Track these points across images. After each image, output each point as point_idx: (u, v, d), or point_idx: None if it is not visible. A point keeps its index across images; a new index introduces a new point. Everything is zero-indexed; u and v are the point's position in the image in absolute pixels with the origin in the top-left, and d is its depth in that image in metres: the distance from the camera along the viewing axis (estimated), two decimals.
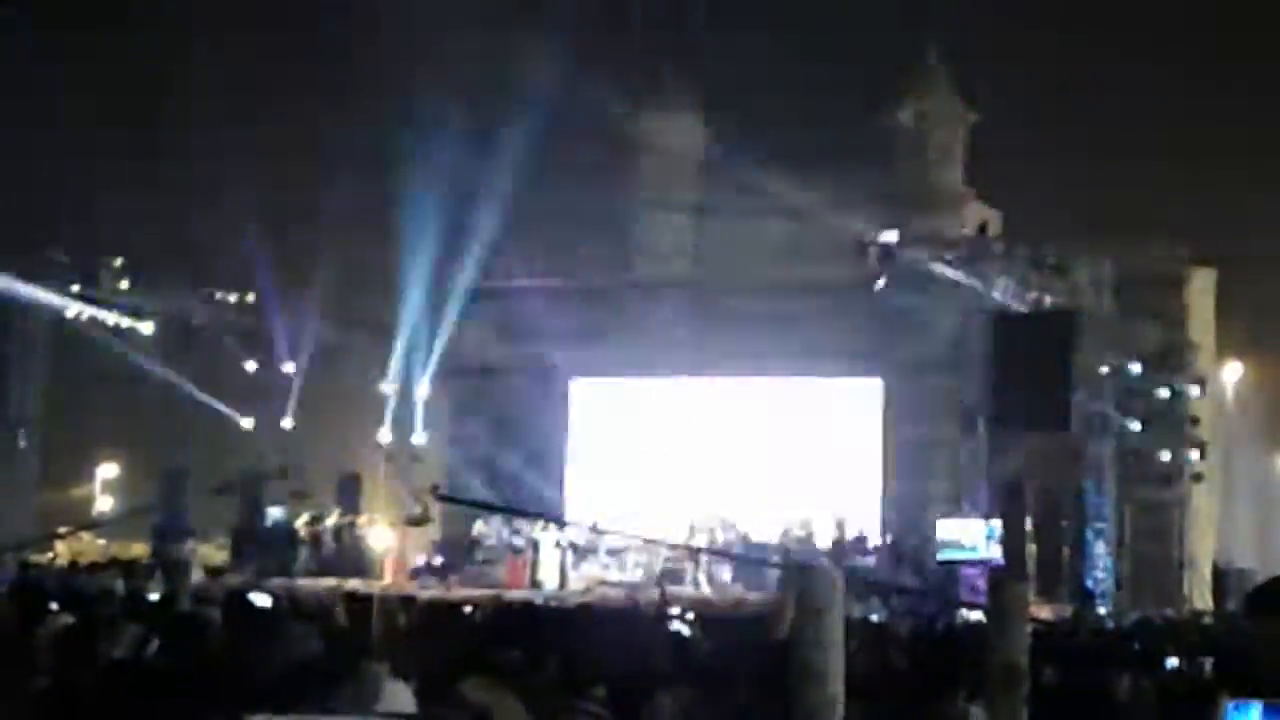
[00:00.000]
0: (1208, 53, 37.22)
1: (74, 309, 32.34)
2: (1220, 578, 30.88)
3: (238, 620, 9.63)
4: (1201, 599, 30.89)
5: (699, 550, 30.63)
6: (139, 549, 31.34)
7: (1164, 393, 31.75)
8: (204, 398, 34.57)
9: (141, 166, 30.18)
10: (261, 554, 31.52)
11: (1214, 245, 36.00)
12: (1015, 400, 28.71)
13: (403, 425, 36.43)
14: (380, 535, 32.78)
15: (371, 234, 33.71)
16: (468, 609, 15.17)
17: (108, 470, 37.30)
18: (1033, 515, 29.31)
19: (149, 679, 3.55)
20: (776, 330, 34.61)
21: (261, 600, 12.41)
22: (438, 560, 32.40)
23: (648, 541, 29.82)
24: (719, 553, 31.06)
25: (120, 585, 18.47)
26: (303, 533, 32.53)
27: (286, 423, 35.23)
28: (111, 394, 33.47)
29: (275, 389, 35.28)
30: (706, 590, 29.90)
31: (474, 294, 35.37)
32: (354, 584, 24.23)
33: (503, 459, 36.45)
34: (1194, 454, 32.11)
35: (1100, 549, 29.47)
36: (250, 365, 35.05)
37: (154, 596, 14.87)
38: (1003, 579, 5.25)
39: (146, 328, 33.44)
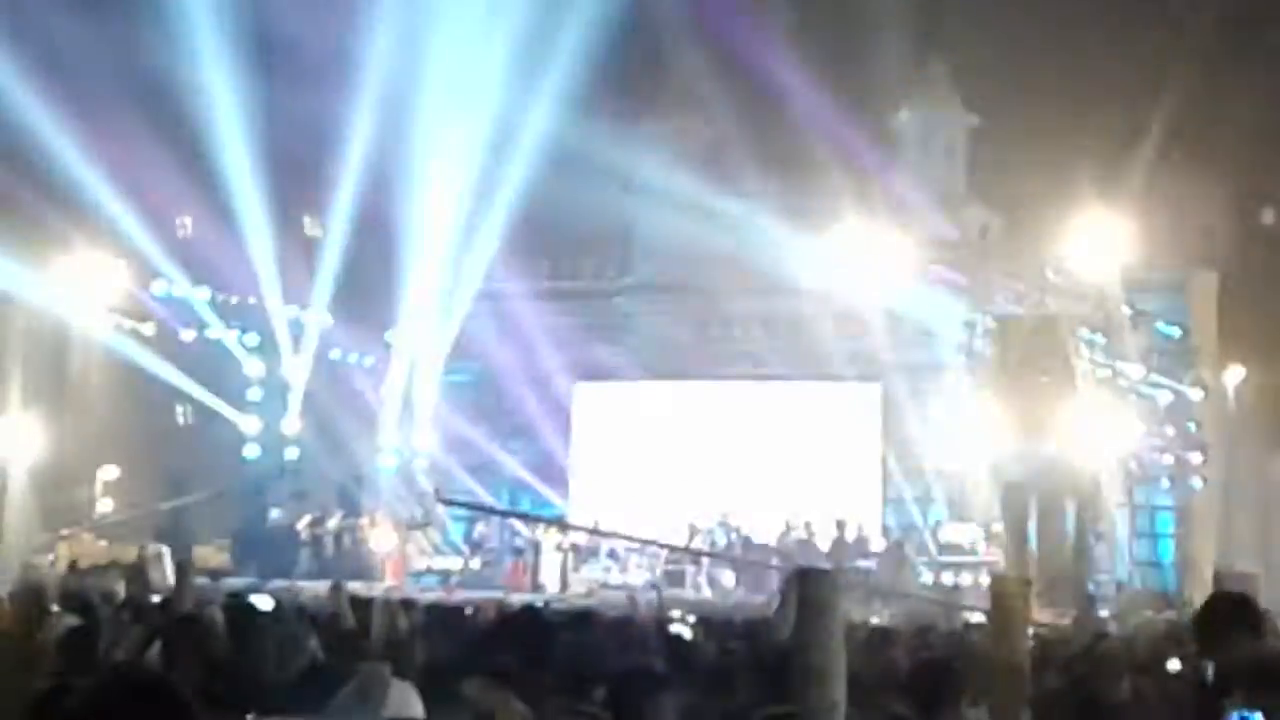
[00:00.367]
0: (1210, 54, 37.19)
1: (76, 310, 32.34)
2: (1222, 581, 30.79)
3: (239, 622, 9.64)
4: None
5: (700, 553, 30.64)
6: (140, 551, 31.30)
7: (1166, 396, 31.74)
8: (206, 399, 34.57)
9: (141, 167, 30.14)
10: (263, 556, 31.53)
11: (1217, 248, 36.00)
12: (1018, 405, 28.70)
13: (405, 428, 36.45)
14: (382, 538, 32.78)
15: (373, 234, 33.70)
16: (468, 611, 15.17)
17: (109, 472, 37.24)
18: (1035, 519, 29.31)
19: (151, 681, 3.55)
20: (778, 334, 34.65)
21: (263, 602, 12.42)
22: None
23: (648, 544, 29.85)
24: (720, 555, 31.08)
25: (121, 587, 18.47)
26: (304, 534, 32.54)
27: (289, 425, 35.22)
28: (113, 395, 33.45)
29: (278, 391, 35.29)
30: (707, 592, 29.92)
31: (477, 297, 35.41)
32: (354, 586, 24.17)
33: (505, 462, 36.48)
34: (1196, 457, 32.09)
35: (1102, 552, 29.46)
36: (254, 367, 35.04)
37: (155, 598, 14.88)
38: (1004, 582, 5.25)
39: (148, 328, 33.42)
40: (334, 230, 33.29)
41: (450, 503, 31.62)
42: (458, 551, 32.78)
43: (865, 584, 27.95)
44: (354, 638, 9.06)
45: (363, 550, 32.58)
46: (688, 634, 11.69)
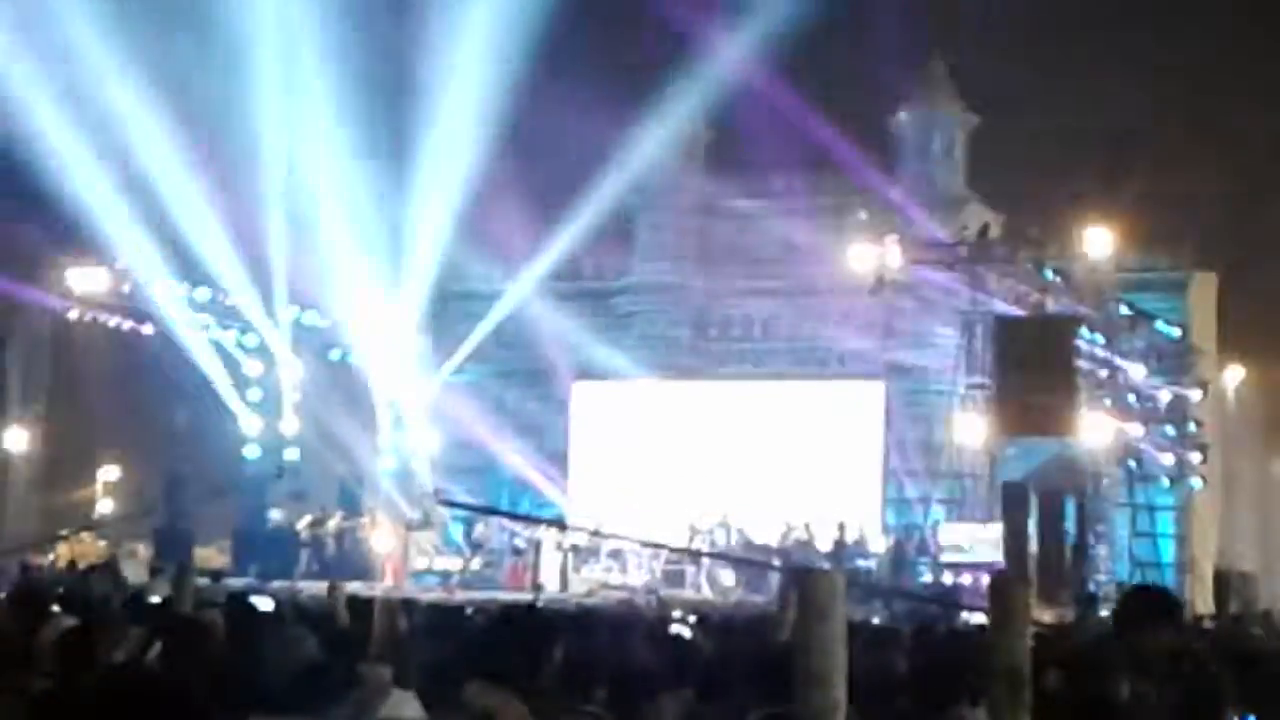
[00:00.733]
0: (1211, 56, 37.21)
1: (76, 311, 32.35)
2: (1222, 581, 30.84)
3: (239, 624, 9.63)
4: (1203, 602, 30.85)
5: (700, 553, 30.64)
6: (140, 551, 31.32)
7: (1166, 396, 31.74)
8: (206, 400, 34.56)
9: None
10: (263, 557, 31.54)
11: (1216, 249, 36.03)
12: (1018, 404, 28.69)
13: (405, 429, 36.47)
14: (382, 538, 32.78)
15: (374, 234, 33.69)
16: (469, 611, 15.16)
17: (109, 472, 37.29)
18: (1035, 519, 29.30)
19: (151, 682, 3.55)
20: (778, 334, 34.66)
21: (263, 603, 12.41)
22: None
23: (649, 545, 29.84)
24: (720, 556, 31.06)
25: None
26: (304, 535, 32.54)
27: (289, 425, 35.22)
28: (113, 396, 33.47)
29: (278, 391, 35.29)
30: (708, 593, 29.91)
31: (479, 296, 35.42)
32: (355, 586, 24.17)
33: (505, 462, 36.49)
34: (1195, 457, 32.10)
35: (1102, 552, 29.46)
36: (254, 368, 35.04)
37: (155, 599, 14.86)
38: (1005, 582, 5.24)
39: (147, 329, 33.43)
40: (335, 230, 33.27)
41: (450, 504, 31.65)
42: (458, 552, 32.77)
43: (865, 584, 27.94)
44: (353, 638, 9.04)
45: (363, 550, 32.59)
46: (688, 634, 11.68)
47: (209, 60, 29.79)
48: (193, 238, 31.67)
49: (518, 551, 31.95)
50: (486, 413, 36.65)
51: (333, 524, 32.99)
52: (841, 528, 31.73)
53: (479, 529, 32.40)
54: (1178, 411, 31.95)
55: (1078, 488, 29.95)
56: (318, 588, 22.35)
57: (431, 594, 26.22)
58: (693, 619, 14.76)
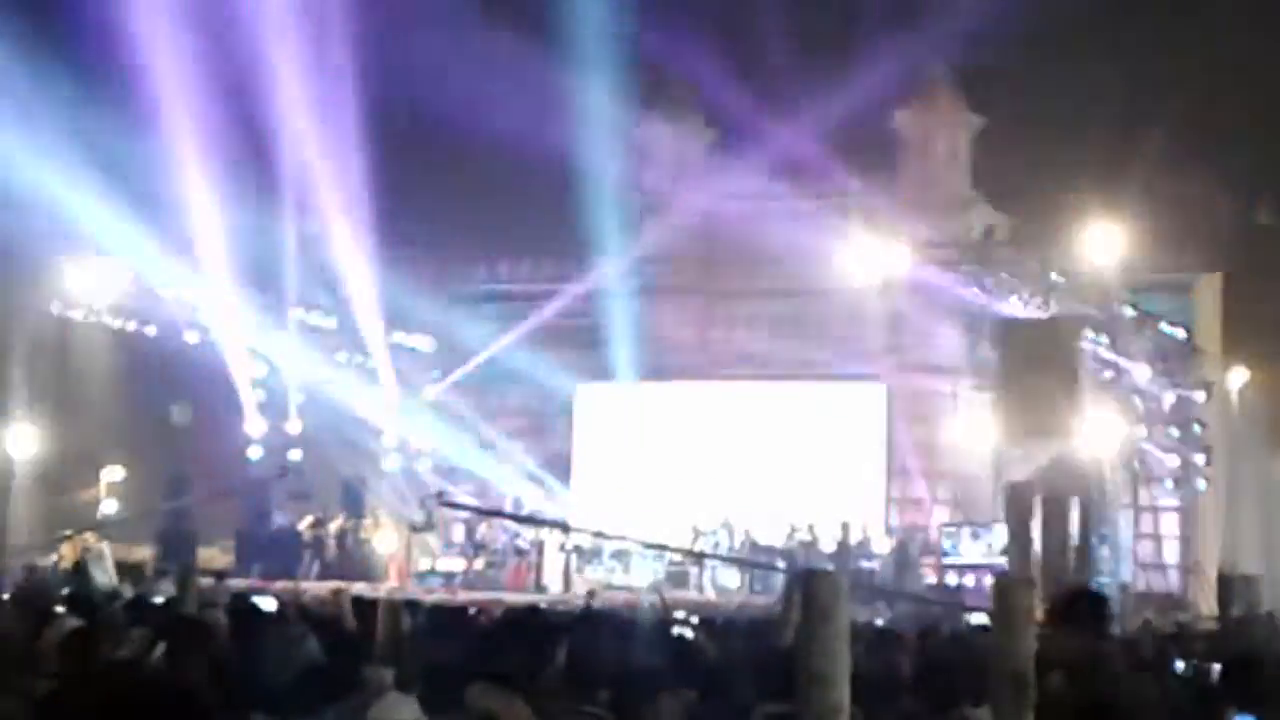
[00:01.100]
0: (1214, 56, 37.17)
1: (79, 312, 32.34)
2: (1225, 583, 30.80)
3: (242, 624, 9.65)
4: (1207, 604, 30.83)
5: (703, 555, 30.65)
6: (144, 552, 31.33)
7: (1170, 398, 31.72)
8: (209, 400, 34.54)
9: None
10: (266, 557, 31.55)
11: (1221, 250, 36.00)
12: (1021, 405, 28.67)
13: (408, 430, 36.49)
14: (385, 539, 32.79)
15: (373, 232, 33.72)
16: (472, 612, 15.17)
17: (113, 473, 37.24)
18: (1039, 520, 29.28)
19: (154, 683, 3.56)
20: (781, 335, 34.65)
21: (267, 604, 12.43)
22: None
23: (652, 546, 29.85)
24: (723, 557, 31.08)
25: (126, 588, 18.48)
26: (306, 536, 32.55)
27: (293, 426, 35.22)
28: (116, 397, 33.45)
29: (281, 393, 35.29)
30: (711, 594, 29.92)
31: (482, 298, 35.43)
32: (359, 587, 24.20)
33: (508, 464, 36.48)
34: (1200, 459, 32.07)
35: (1105, 554, 29.42)
36: (258, 369, 35.03)
37: (159, 600, 14.87)
38: (1008, 584, 5.24)
39: (151, 330, 33.42)
40: (336, 230, 33.27)
41: (452, 505, 31.65)
42: (461, 553, 32.78)
43: (869, 585, 27.94)
44: (356, 640, 9.05)
45: (366, 552, 32.60)
46: (690, 635, 11.69)
47: (209, 53, 29.80)
48: (195, 237, 31.67)
49: (521, 553, 31.97)
50: (490, 414, 36.65)
51: (334, 525, 32.99)
52: (845, 529, 31.73)
53: (482, 530, 32.41)
54: (1182, 413, 31.92)
55: (1081, 489, 29.90)
56: (321, 589, 22.36)
57: (435, 595, 26.21)
58: (696, 620, 14.78)
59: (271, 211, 32.28)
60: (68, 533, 31.36)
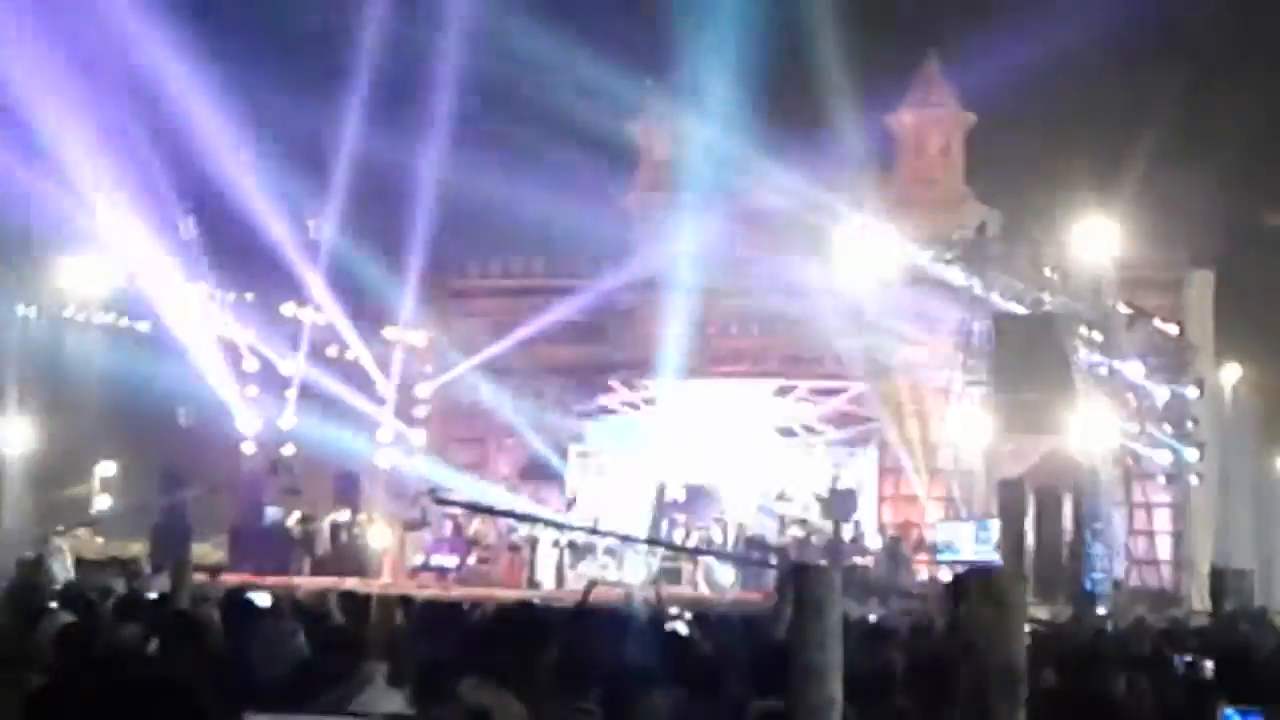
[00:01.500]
0: (1208, 54, 37.23)
1: (72, 308, 32.32)
2: (1218, 578, 30.85)
3: (235, 620, 9.64)
4: (1199, 600, 30.89)
5: (697, 551, 30.67)
6: (137, 548, 31.31)
7: (1163, 394, 31.74)
8: (203, 396, 34.51)
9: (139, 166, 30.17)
10: (260, 553, 31.53)
11: (1213, 247, 36.04)
12: (1014, 402, 28.71)
13: (402, 426, 36.49)
14: (379, 535, 32.78)
15: (367, 232, 33.73)
16: (465, 608, 15.16)
17: (106, 468, 37.25)
18: (1032, 516, 29.32)
19: (147, 678, 3.55)
20: (775, 332, 34.67)
21: (261, 599, 12.41)
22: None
23: (646, 542, 29.88)
24: (717, 553, 31.09)
25: (119, 584, 18.46)
26: (296, 531, 32.54)
27: (286, 422, 35.21)
28: (110, 393, 33.43)
29: (275, 388, 35.26)
30: (705, 590, 29.93)
31: (476, 293, 35.42)
32: (352, 583, 24.22)
33: (502, 459, 36.48)
34: (1192, 455, 32.11)
35: (1098, 550, 29.46)
36: (251, 364, 35.01)
37: (153, 595, 14.86)
38: (1001, 580, 5.24)
39: (144, 326, 33.40)
40: (334, 228, 33.29)
41: (446, 502, 31.64)
42: (451, 548, 32.77)
43: (862, 581, 27.96)
44: (348, 635, 9.05)
45: (360, 547, 32.59)
46: (684, 631, 11.69)
47: (205, 49, 29.80)
48: (189, 234, 31.68)
49: (514, 548, 31.97)
50: (482, 410, 36.64)
51: (328, 521, 32.98)
52: (838, 525, 31.75)
53: (476, 525, 32.42)
54: (1175, 409, 31.95)
55: (1074, 485, 29.94)
56: (314, 584, 22.38)
57: (428, 590, 26.21)
58: (689, 615, 14.77)
59: (265, 205, 32.24)
60: (60, 528, 31.36)
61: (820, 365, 34.41)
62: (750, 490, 33.52)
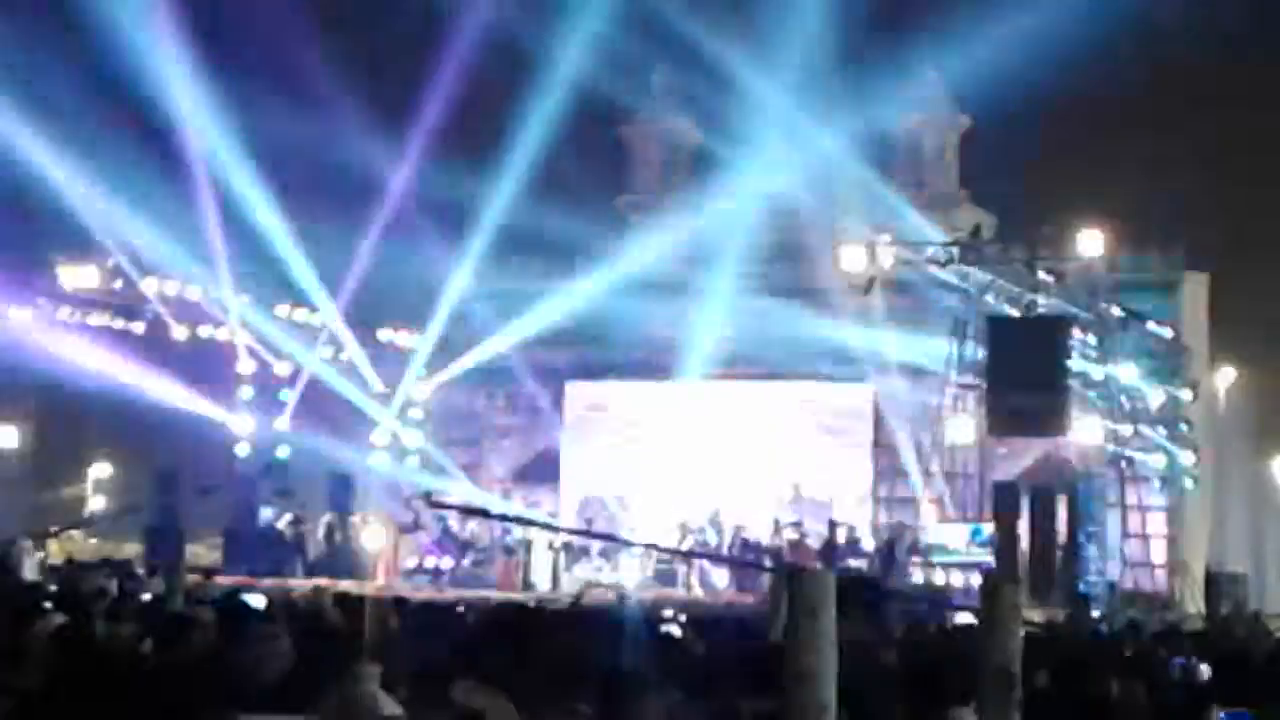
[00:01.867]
0: (1203, 55, 37.26)
1: (66, 308, 32.29)
2: (1213, 581, 30.87)
3: (228, 621, 9.63)
4: (1194, 602, 30.89)
5: (691, 554, 30.65)
6: (131, 549, 31.31)
7: (1157, 396, 31.75)
8: (198, 397, 34.50)
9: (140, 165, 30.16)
10: (254, 554, 31.51)
11: (1208, 250, 36.05)
12: (1009, 404, 28.70)
13: (397, 427, 36.47)
14: (373, 536, 32.76)
15: (363, 230, 33.72)
16: (460, 610, 15.16)
17: (100, 470, 37.26)
18: (1026, 519, 29.33)
19: (142, 679, 3.55)
20: (770, 333, 34.62)
21: (256, 601, 12.41)
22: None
23: (640, 544, 29.87)
24: (711, 556, 31.08)
25: (113, 585, 18.45)
26: (287, 533, 32.51)
27: (281, 423, 35.20)
28: (103, 393, 33.41)
29: (271, 389, 35.25)
30: (699, 592, 29.93)
31: (471, 296, 35.38)
32: (346, 585, 24.21)
33: (497, 461, 36.47)
34: (1187, 457, 32.11)
35: (1093, 552, 29.46)
36: (246, 365, 34.99)
37: (146, 596, 14.86)
38: (996, 582, 5.24)
39: (138, 327, 33.39)
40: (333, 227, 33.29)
41: (440, 505, 31.63)
42: (444, 549, 32.75)
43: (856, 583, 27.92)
44: (341, 637, 9.05)
45: (354, 549, 32.57)
46: (678, 633, 11.70)
47: (199, 51, 29.81)
48: (184, 233, 31.66)
49: (509, 550, 31.95)
50: (478, 411, 36.62)
51: (322, 522, 32.96)
52: (832, 527, 31.75)
53: (470, 527, 32.39)
54: (1169, 412, 31.95)
55: (1069, 488, 29.94)
56: (308, 586, 22.35)
57: (423, 593, 26.21)
58: (683, 618, 14.78)
59: (259, 206, 32.23)
60: (54, 528, 31.35)
61: (815, 367, 34.37)
62: (744, 492, 33.50)
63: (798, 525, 31.97)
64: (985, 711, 5.43)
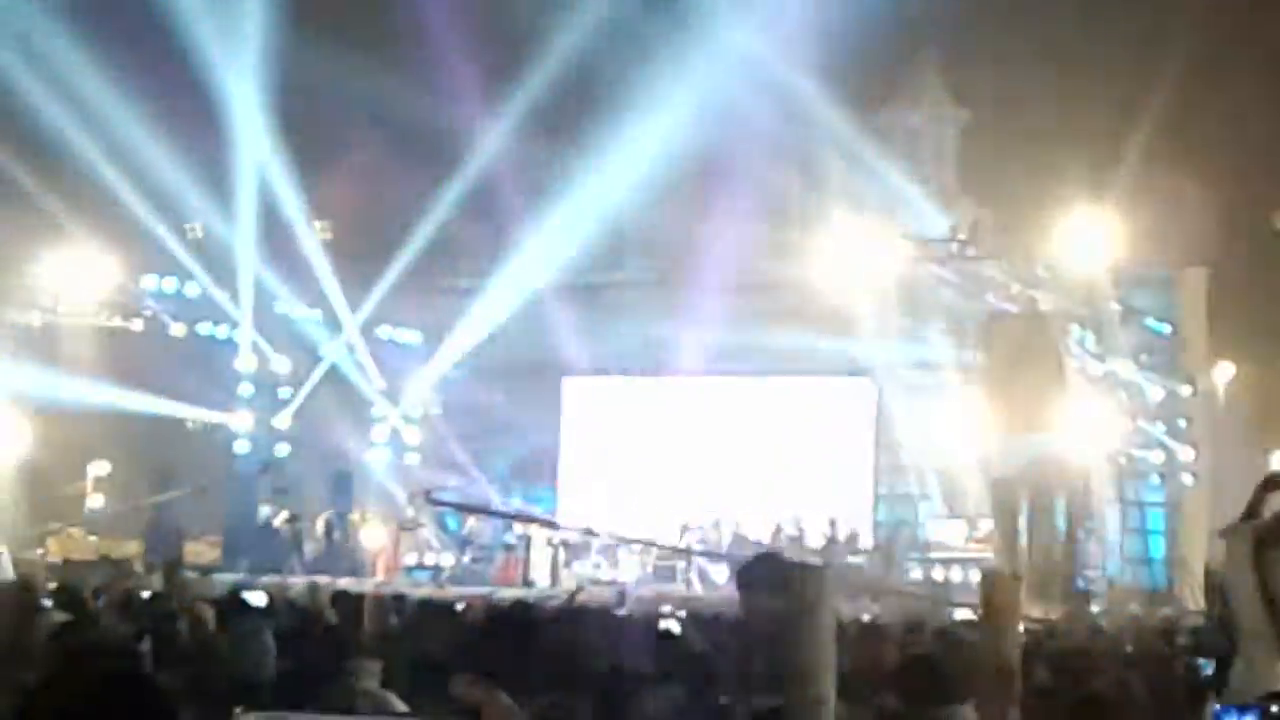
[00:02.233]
0: (1199, 52, 37.22)
1: (64, 306, 32.29)
2: (1212, 578, 30.84)
3: (227, 619, 9.64)
4: (1193, 599, 30.90)
5: (690, 552, 30.67)
6: (131, 547, 31.29)
7: (1156, 393, 31.76)
8: (197, 395, 34.49)
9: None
10: (253, 552, 31.51)
11: (1206, 245, 36.03)
12: (1008, 401, 28.72)
13: (397, 424, 36.48)
14: (372, 534, 32.76)
15: (360, 229, 33.71)
16: (459, 607, 15.16)
17: (99, 467, 37.18)
18: (1025, 515, 29.34)
19: (141, 676, 3.55)
20: (768, 329, 34.62)
21: (256, 599, 12.43)
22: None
23: (639, 543, 29.88)
24: (710, 554, 31.09)
25: (113, 583, 18.47)
26: (283, 531, 32.50)
27: (280, 421, 35.19)
28: (104, 392, 33.40)
29: (270, 387, 35.24)
30: (698, 589, 29.94)
31: (468, 292, 35.37)
32: (345, 582, 24.21)
33: (496, 458, 36.46)
34: (1186, 453, 32.13)
35: (1092, 548, 29.48)
36: (246, 362, 34.97)
37: (146, 594, 14.86)
38: (995, 579, 5.24)
39: (137, 325, 33.38)
40: (331, 227, 33.29)
41: (440, 503, 31.62)
42: (448, 547, 32.77)
43: (856, 580, 27.97)
44: (342, 634, 9.06)
45: (353, 547, 32.56)
46: (677, 629, 11.71)
47: (197, 51, 29.78)
48: (183, 233, 31.66)
49: (509, 547, 31.95)
50: (478, 409, 36.60)
51: (321, 520, 32.94)
52: (832, 524, 31.77)
53: (470, 524, 32.39)
54: (1168, 408, 31.98)
55: (1068, 484, 29.95)
56: (307, 583, 22.36)
57: (422, 590, 26.21)
58: (682, 614, 14.79)
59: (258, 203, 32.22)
60: (54, 526, 31.36)
61: (814, 363, 34.37)
62: (744, 490, 33.50)
63: (798, 522, 31.98)
64: (985, 708, 5.43)
